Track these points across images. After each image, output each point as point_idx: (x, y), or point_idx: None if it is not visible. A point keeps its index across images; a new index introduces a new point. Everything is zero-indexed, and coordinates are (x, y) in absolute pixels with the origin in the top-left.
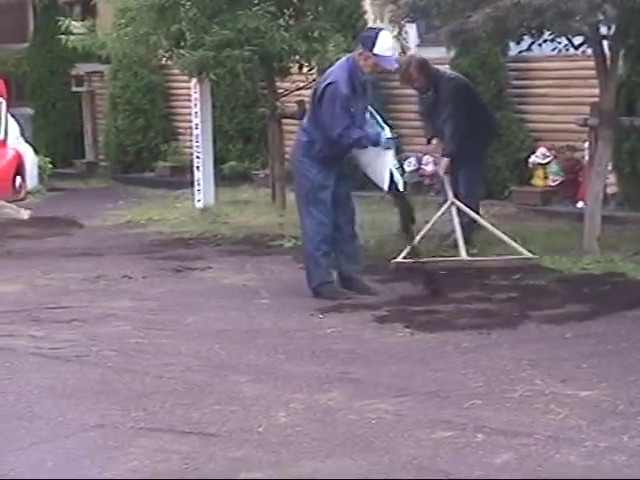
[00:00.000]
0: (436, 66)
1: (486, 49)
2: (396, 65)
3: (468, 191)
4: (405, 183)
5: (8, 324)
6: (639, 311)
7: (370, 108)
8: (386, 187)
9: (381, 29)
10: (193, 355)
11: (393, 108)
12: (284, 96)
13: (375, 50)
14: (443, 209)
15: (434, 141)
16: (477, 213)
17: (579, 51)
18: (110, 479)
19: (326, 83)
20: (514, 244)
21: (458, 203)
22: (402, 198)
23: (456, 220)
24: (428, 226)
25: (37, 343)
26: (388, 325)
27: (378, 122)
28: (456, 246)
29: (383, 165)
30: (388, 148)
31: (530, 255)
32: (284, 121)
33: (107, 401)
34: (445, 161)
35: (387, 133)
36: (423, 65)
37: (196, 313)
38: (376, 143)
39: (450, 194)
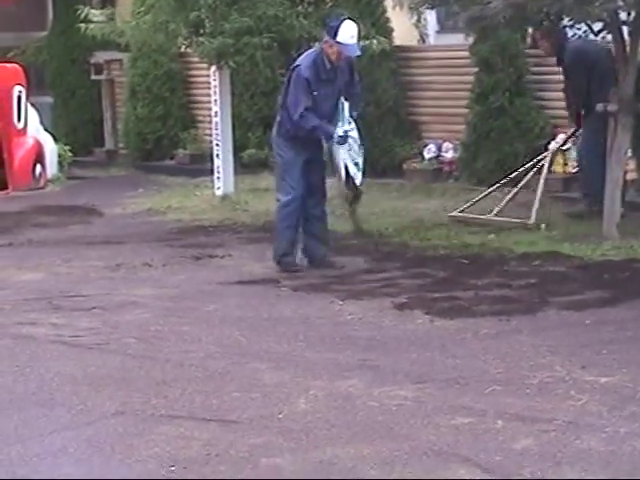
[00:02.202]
0: (578, 37)
1: (505, 35)
2: (358, 52)
3: (587, 166)
4: (362, 179)
5: (29, 312)
6: None
7: (342, 100)
8: (343, 179)
9: (345, 18)
10: (213, 342)
11: (412, 95)
12: None
13: (338, 38)
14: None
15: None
16: (597, 192)
17: (599, 37)
18: None
19: (292, 66)
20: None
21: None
22: (356, 194)
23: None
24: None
25: (58, 331)
26: (407, 312)
27: (341, 116)
28: (581, 216)
29: (338, 159)
30: (339, 144)
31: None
32: None
33: (127, 388)
34: (560, 136)
35: (339, 130)
36: (549, 31)
37: (216, 300)
38: (328, 137)
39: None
